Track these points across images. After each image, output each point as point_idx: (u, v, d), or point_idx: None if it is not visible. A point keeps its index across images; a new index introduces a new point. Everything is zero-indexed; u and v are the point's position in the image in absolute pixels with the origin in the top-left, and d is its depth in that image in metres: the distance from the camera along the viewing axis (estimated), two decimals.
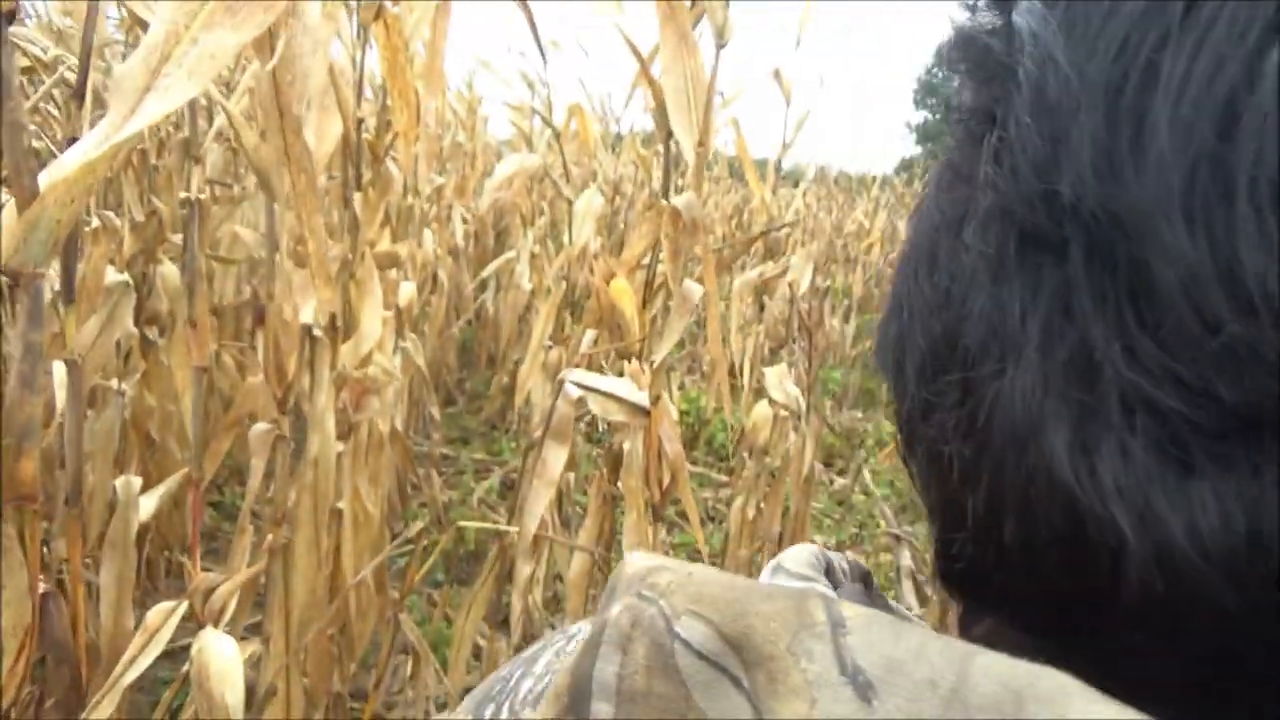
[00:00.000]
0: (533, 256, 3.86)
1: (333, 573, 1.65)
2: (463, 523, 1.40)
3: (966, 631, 0.22)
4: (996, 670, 0.15)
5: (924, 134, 42.07)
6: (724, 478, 3.81)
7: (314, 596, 1.34)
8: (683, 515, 2.79)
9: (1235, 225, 0.15)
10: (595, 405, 1.18)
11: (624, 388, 1.23)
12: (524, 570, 1.23)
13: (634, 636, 0.18)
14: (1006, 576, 0.19)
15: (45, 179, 0.55)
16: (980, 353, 0.18)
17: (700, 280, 1.22)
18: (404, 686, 2.19)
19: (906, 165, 14.96)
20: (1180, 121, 0.15)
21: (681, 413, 4.20)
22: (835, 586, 0.23)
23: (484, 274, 3.77)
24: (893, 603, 0.24)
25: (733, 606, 0.17)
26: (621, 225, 4.95)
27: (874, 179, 11.24)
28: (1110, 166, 0.16)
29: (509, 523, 2.96)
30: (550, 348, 2.51)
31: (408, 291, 2.64)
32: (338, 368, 1.49)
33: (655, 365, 1.19)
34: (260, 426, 1.20)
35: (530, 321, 3.86)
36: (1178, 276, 0.15)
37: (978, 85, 0.20)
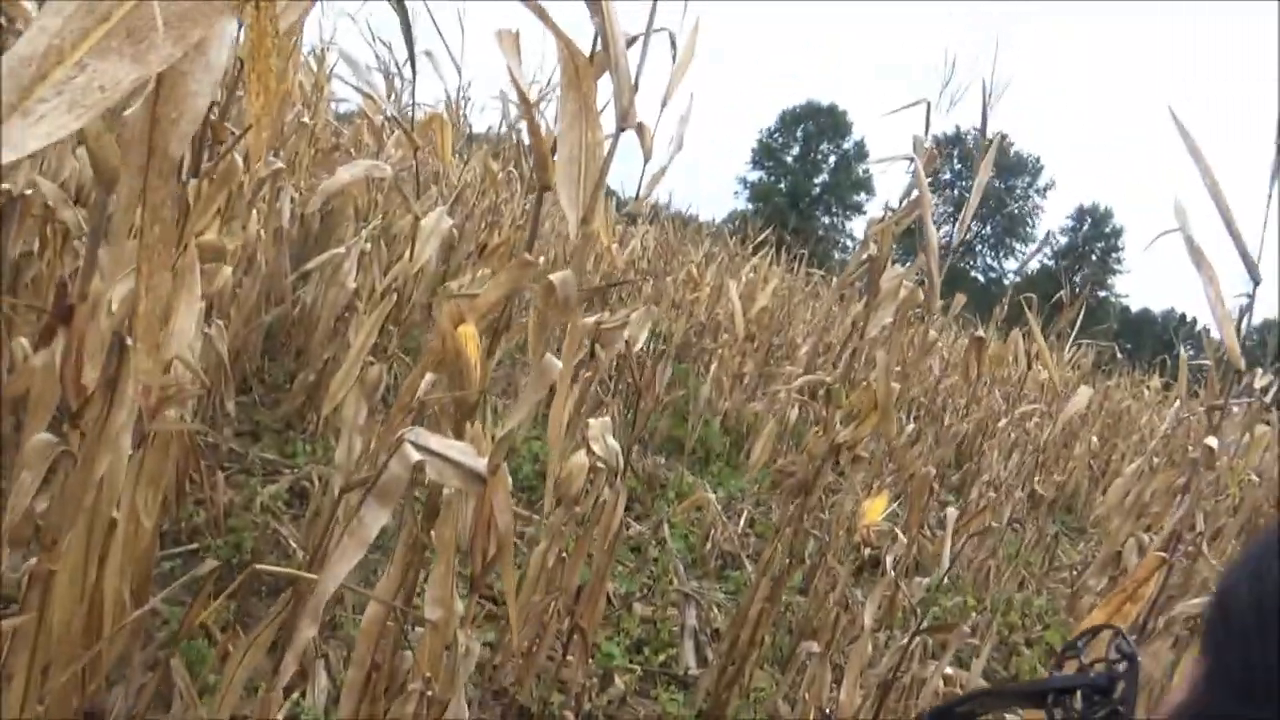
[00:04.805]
0: (362, 254, 3.68)
1: (93, 594, 1.47)
2: (261, 566, 1.28)
3: None
4: None
5: (756, 193, 44.21)
6: (524, 512, 3.76)
7: (69, 631, 1.18)
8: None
9: None
10: (432, 470, 1.12)
11: (463, 452, 1.18)
12: (306, 633, 1.14)
13: None
14: None
15: None
16: None
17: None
18: (148, 708, 1.99)
19: (738, 218, 15.87)
20: None
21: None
22: None
23: (308, 266, 3.56)
24: None
25: None
26: (457, 235, 4.82)
27: (703, 225, 12.15)
28: None
29: (297, 540, 2.77)
30: (372, 364, 2.38)
31: (223, 275, 2.43)
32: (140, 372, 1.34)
33: (500, 436, 1.15)
34: (43, 438, 1.05)
35: (349, 321, 3.66)
36: None
37: None
